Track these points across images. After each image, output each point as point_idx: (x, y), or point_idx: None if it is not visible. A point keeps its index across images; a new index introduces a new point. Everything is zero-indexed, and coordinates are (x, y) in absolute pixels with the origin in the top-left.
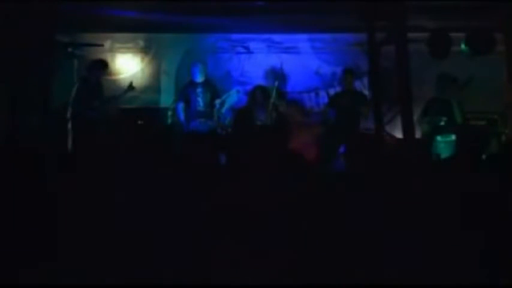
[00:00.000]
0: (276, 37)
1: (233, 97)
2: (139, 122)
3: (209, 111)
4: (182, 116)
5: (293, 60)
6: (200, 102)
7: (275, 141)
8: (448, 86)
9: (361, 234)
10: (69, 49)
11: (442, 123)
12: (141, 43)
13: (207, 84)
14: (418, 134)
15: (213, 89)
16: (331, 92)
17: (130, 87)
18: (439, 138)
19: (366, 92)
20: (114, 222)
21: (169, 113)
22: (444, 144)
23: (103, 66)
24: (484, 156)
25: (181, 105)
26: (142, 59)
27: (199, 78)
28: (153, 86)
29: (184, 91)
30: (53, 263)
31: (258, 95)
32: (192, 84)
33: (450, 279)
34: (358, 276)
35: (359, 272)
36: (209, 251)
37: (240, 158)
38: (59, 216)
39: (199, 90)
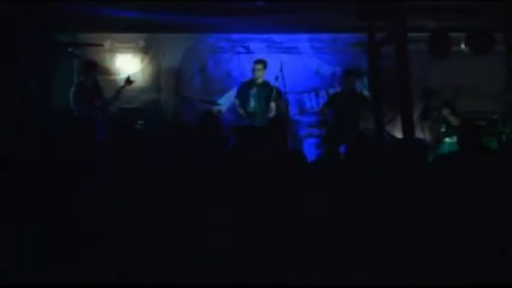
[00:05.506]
0: (276, 37)
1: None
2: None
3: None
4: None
5: (293, 60)
6: (252, 103)
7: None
8: (428, 97)
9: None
10: (69, 49)
11: (443, 129)
12: (141, 43)
13: (265, 85)
14: (417, 134)
15: (269, 92)
16: (331, 92)
17: (129, 81)
18: (447, 140)
19: (366, 92)
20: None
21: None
22: (450, 145)
23: (93, 67)
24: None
25: (236, 103)
26: (142, 59)
27: (257, 79)
28: (153, 86)
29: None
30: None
31: None
32: (249, 83)
33: (450, 279)
34: (358, 275)
35: (359, 272)
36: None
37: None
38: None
39: (253, 91)
